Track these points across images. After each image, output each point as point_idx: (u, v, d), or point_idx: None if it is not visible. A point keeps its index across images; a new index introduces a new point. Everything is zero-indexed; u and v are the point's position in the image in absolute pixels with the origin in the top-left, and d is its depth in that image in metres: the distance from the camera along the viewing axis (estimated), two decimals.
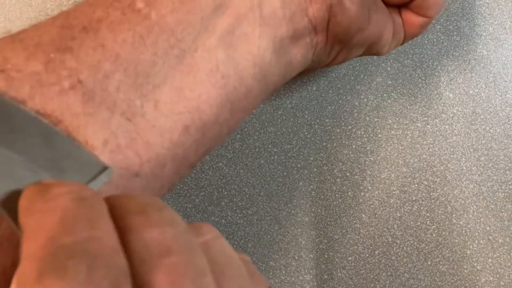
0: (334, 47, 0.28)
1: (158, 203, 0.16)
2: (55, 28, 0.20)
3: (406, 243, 0.37)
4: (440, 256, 0.37)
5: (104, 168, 0.19)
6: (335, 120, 0.37)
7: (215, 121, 0.23)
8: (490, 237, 0.37)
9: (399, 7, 0.30)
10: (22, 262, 0.14)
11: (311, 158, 0.37)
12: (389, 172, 0.37)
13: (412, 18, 0.30)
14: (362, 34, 0.27)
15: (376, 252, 0.37)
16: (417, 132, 0.37)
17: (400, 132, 0.37)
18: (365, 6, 0.26)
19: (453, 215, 0.37)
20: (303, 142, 0.37)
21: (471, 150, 0.37)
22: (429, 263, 0.37)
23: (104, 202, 0.16)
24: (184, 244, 0.15)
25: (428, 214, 0.37)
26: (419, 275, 0.37)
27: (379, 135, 0.37)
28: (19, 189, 0.16)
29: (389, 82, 0.37)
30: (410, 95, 0.37)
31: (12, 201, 0.17)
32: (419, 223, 0.37)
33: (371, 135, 0.37)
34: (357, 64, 0.37)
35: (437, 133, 0.37)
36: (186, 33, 0.22)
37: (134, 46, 0.21)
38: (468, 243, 0.37)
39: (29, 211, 0.15)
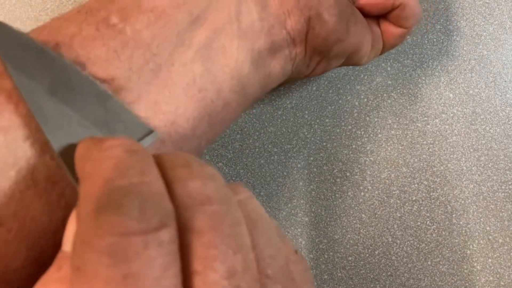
0: (313, 59, 0.28)
1: (200, 160, 0.17)
2: None
3: (406, 243, 0.37)
4: (440, 256, 0.37)
5: (150, 131, 0.21)
6: (335, 120, 0.37)
7: (192, 135, 0.23)
8: (490, 237, 0.37)
9: (378, 18, 0.30)
10: (81, 201, 0.15)
11: (311, 158, 0.37)
12: (389, 172, 0.37)
13: (390, 29, 0.30)
14: (341, 45, 0.27)
15: (376, 252, 0.37)
16: (417, 132, 0.37)
17: (400, 132, 0.37)
18: (344, 18, 0.26)
19: (453, 215, 0.37)
20: (303, 142, 0.37)
21: (471, 150, 0.37)
22: (429, 263, 0.37)
23: (151, 156, 0.17)
24: (223, 196, 0.16)
25: (428, 214, 0.37)
26: (419, 275, 0.37)
27: (379, 135, 0.37)
28: (75, 143, 0.18)
29: (389, 82, 0.37)
30: (410, 95, 0.37)
31: (68, 152, 0.18)
32: (419, 223, 0.37)
33: (371, 135, 0.37)
34: None
35: (437, 133, 0.37)
36: (162, 47, 0.22)
37: (108, 62, 0.21)
38: (468, 243, 0.37)
39: (85, 158, 0.16)
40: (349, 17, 0.27)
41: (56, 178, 0.19)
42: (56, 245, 0.19)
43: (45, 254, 0.19)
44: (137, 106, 0.21)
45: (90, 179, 0.15)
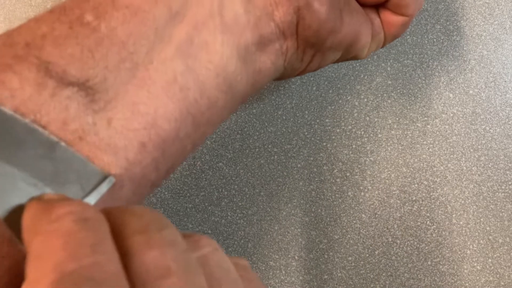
0: (307, 52, 0.26)
1: (160, 221, 0.16)
2: None
3: (406, 243, 0.37)
4: (440, 256, 0.37)
5: (105, 177, 0.19)
6: (335, 120, 0.37)
7: (175, 137, 0.22)
8: (490, 237, 0.37)
9: (377, 7, 0.28)
10: (28, 285, 0.14)
11: (311, 158, 0.37)
12: (389, 172, 0.37)
13: (391, 18, 0.28)
14: (335, 36, 0.26)
15: (376, 252, 0.37)
16: (417, 132, 0.37)
17: (400, 132, 0.37)
18: (336, 7, 0.25)
19: (453, 215, 0.37)
20: (303, 142, 0.37)
21: (471, 150, 0.37)
22: (429, 263, 0.37)
23: (105, 221, 0.16)
24: (183, 265, 0.15)
25: (428, 214, 0.37)
26: (419, 275, 0.37)
27: (379, 135, 0.37)
28: (22, 204, 0.16)
29: (389, 82, 0.37)
30: (410, 95, 0.37)
31: (14, 215, 0.17)
32: (419, 223, 0.37)
33: (371, 135, 0.37)
34: (357, 64, 0.37)
35: (437, 133, 0.37)
36: (139, 45, 0.21)
37: (82, 61, 0.19)
38: (468, 243, 0.37)
39: (33, 232, 0.15)
40: (343, 6, 0.25)
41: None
42: None
43: None
44: (114, 107, 0.20)
45: (38, 261, 0.14)
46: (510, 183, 0.37)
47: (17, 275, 0.18)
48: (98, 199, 0.19)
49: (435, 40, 0.37)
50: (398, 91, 0.37)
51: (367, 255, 0.37)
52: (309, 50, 0.26)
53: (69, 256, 0.14)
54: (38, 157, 0.18)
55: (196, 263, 0.16)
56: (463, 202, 0.37)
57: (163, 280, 0.15)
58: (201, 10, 0.22)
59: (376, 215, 0.37)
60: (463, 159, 0.37)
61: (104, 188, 0.19)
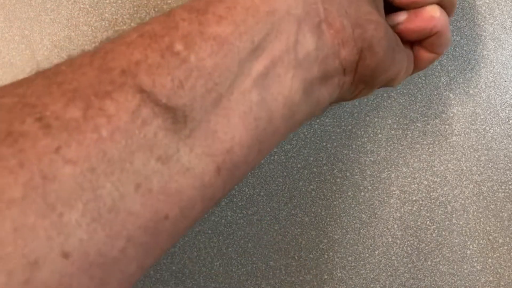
0: (358, 86, 0.28)
1: None
2: (93, 71, 0.20)
3: (406, 243, 0.37)
4: (440, 256, 0.37)
5: None
6: (335, 120, 0.37)
7: (244, 162, 0.23)
8: (490, 237, 0.37)
9: (412, 43, 0.31)
10: None
11: (311, 158, 0.37)
12: (389, 172, 0.37)
13: (423, 54, 0.30)
14: (386, 74, 0.28)
15: (376, 252, 0.37)
16: (417, 132, 0.37)
17: (400, 132, 0.37)
18: (391, 48, 0.27)
19: (453, 215, 0.37)
20: (303, 142, 0.37)
21: (471, 150, 0.37)
22: (429, 263, 0.37)
23: None
24: None
25: (428, 214, 0.37)
26: (419, 275, 0.37)
27: (379, 135, 0.37)
28: None
29: None
30: (410, 95, 0.37)
31: None
32: (419, 223, 0.37)
33: (371, 135, 0.37)
34: None
35: (437, 133, 0.37)
36: (224, 77, 0.22)
37: (173, 91, 0.20)
38: (468, 243, 0.37)
39: None
40: (395, 47, 0.27)
41: None
42: None
43: None
44: (197, 135, 0.21)
45: None
46: (510, 183, 0.37)
47: None
48: None
49: None
50: (398, 91, 0.37)
51: (367, 255, 0.37)
52: (361, 85, 0.28)
53: None
54: None
55: None
56: (463, 202, 0.37)
57: None
58: (279, 45, 0.23)
59: (376, 215, 0.37)
60: (463, 159, 0.37)
61: None
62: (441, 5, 0.29)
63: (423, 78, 0.37)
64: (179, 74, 0.21)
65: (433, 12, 0.28)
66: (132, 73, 0.20)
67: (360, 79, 0.27)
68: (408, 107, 0.37)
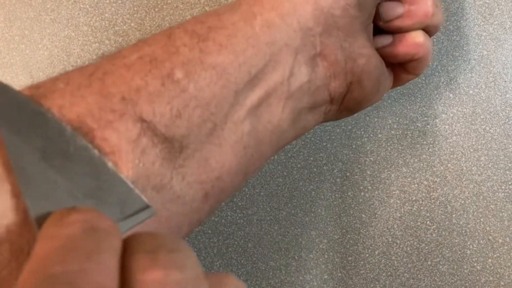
0: (343, 113, 0.29)
1: (175, 243, 0.15)
2: (93, 96, 0.20)
3: (406, 243, 0.37)
4: (440, 256, 0.37)
5: (146, 207, 0.19)
6: (335, 120, 0.37)
7: (231, 187, 0.23)
8: (490, 237, 0.37)
9: (392, 63, 0.31)
10: (17, 283, 0.14)
11: (311, 158, 0.37)
12: (389, 172, 0.37)
13: (403, 75, 0.31)
14: (369, 103, 0.29)
15: (376, 252, 0.37)
16: (417, 132, 0.37)
17: (400, 132, 0.37)
18: (378, 81, 0.27)
19: (453, 215, 0.37)
20: (303, 142, 0.37)
21: (471, 150, 0.37)
22: (429, 263, 0.37)
23: (118, 237, 0.15)
24: None
25: (428, 214, 0.37)
26: (419, 275, 0.37)
27: (379, 135, 0.37)
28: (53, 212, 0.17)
29: None
30: (410, 95, 0.37)
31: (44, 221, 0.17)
32: (419, 223, 0.37)
33: (371, 135, 0.37)
34: None
35: (437, 133, 0.37)
36: (220, 107, 0.22)
37: (171, 120, 0.20)
38: (468, 243, 0.37)
39: (42, 234, 0.15)
40: (381, 78, 0.28)
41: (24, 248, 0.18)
42: None
43: None
44: (190, 163, 0.21)
45: (32, 261, 0.14)
46: (510, 183, 0.37)
47: None
48: (134, 225, 0.19)
49: (435, 40, 0.37)
50: (398, 91, 0.37)
51: (367, 255, 0.37)
52: (345, 112, 0.29)
53: (59, 259, 0.13)
54: (85, 173, 0.19)
55: None
56: (463, 202, 0.37)
57: None
58: (275, 77, 0.23)
59: (376, 215, 0.37)
60: (463, 159, 0.37)
61: (142, 216, 0.19)
62: (426, 30, 0.29)
63: (423, 78, 0.37)
64: (178, 103, 0.21)
65: (418, 38, 0.28)
66: (133, 100, 0.20)
67: (345, 107, 0.28)
68: (408, 107, 0.37)
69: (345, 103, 0.27)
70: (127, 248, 0.15)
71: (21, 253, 0.18)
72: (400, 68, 0.30)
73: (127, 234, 0.16)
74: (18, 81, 0.37)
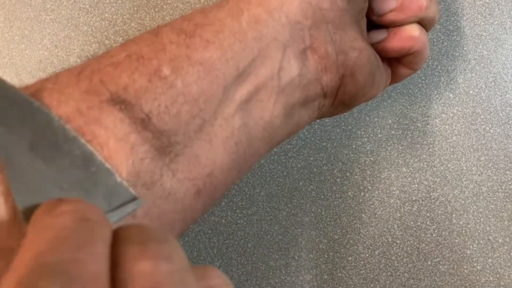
0: (338, 108, 0.28)
1: (162, 235, 0.16)
2: (81, 94, 0.20)
3: (406, 243, 0.37)
4: (440, 256, 0.37)
5: (133, 199, 0.19)
6: (335, 120, 0.37)
7: (224, 184, 0.23)
8: (490, 237, 0.37)
9: (390, 58, 0.31)
10: (7, 273, 0.14)
11: (311, 158, 0.37)
12: (389, 172, 0.37)
13: (401, 70, 0.30)
14: (365, 97, 0.28)
15: (376, 252, 0.37)
16: (417, 132, 0.37)
17: (400, 132, 0.37)
18: (372, 73, 0.27)
19: (453, 215, 0.37)
20: (303, 142, 0.37)
21: (471, 150, 0.37)
22: (429, 263, 0.37)
23: (108, 227, 0.15)
24: (177, 282, 0.14)
25: (428, 214, 0.37)
26: (419, 275, 0.37)
27: (379, 135, 0.37)
28: (41, 203, 0.17)
29: None
30: (410, 95, 0.37)
31: (32, 214, 0.17)
32: (419, 223, 0.37)
33: (371, 135, 0.37)
34: None
35: (437, 133, 0.37)
36: (209, 103, 0.22)
37: (159, 117, 0.20)
38: (468, 243, 0.37)
39: (33, 225, 0.15)
40: (375, 72, 0.28)
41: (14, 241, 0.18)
42: None
43: None
44: (180, 160, 0.21)
45: (24, 250, 0.14)
46: (510, 183, 0.37)
47: None
48: (121, 217, 0.19)
49: (435, 40, 0.37)
50: (398, 91, 0.37)
51: (367, 255, 0.37)
52: (340, 106, 0.28)
53: (52, 248, 0.14)
54: (73, 164, 0.18)
55: (195, 285, 0.15)
56: (463, 202, 0.37)
57: None
58: (264, 71, 0.23)
59: (376, 215, 0.37)
60: (463, 159, 0.37)
61: (129, 208, 0.19)
62: (421, 24, 0.29)
63: (423, 78, 0.37)
64: (166, 99, 0.21)
65: (412, 32, 0.28)
66: (120, 98, 0.20)
67: (339, 102, 0.27)
68: (408, 107, 0.37)
69: (339, 97, 0.27)
70: (116, 239, 0.15)
71: (10, 253, 0.18)
72: (397, 63, 0.30)
73: (115, 226, 0.16)
74: (18, 81, 0.37)
